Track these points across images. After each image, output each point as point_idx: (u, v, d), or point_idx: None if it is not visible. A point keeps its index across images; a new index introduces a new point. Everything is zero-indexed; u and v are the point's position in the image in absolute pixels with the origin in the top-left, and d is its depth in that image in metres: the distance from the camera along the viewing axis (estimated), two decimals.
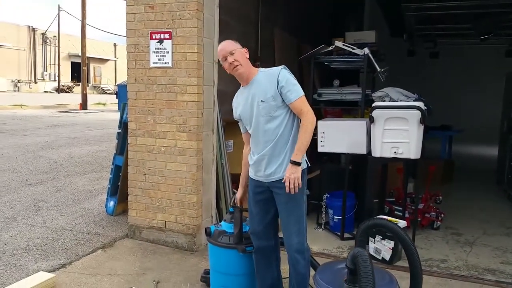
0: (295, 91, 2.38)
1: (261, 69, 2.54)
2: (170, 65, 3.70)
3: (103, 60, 43.03)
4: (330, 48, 4.62)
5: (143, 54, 3.82)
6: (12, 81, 35.00)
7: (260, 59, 6.01)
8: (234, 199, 2.83)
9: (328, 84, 5.34)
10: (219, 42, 3.92)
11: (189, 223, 3.79)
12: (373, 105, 3.81)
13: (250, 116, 2.48)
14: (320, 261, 2.82)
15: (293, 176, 2.31)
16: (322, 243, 4.03)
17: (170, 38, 3.66)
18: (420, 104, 3.65)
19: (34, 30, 37.10)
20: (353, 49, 4.45)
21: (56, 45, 36.41)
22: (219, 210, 4.15)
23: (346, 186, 4.15)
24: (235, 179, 4.19)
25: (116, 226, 4.44)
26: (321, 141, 4.12)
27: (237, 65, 2.44)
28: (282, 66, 2.46)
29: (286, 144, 2.44)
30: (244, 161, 2.70)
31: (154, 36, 3.72)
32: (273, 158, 2.44)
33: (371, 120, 3.74)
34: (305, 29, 7.47)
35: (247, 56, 2.50)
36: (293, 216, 2.43)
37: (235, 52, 2.43)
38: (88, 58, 26.21)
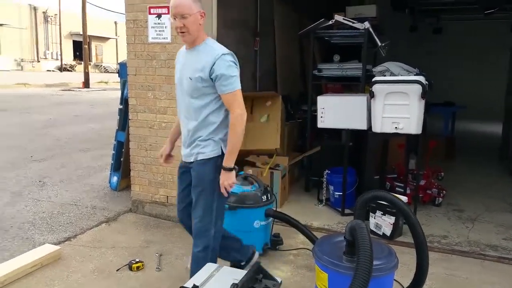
0: (229, 84, 2.17)
1: (208, 39, 2.29)
2: (169, 40, 3.68)
3: (104, 39, 42.65)
4: (330, 22, 4.54)
5: (142, 29, 3.79)
6: (15, 60, 34.97)
7: (259, 35, 5.94)
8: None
9: (329, 59, 5.28)
10: (218, 16, 3.89)
11: None
12: (374, 79, 3.77)
13: (179, 83, 2.33)
14: (321, 236, 2.85)
15: (226, 183, 2.22)
16: (323, 219, 4.04)
17: (168, 13, 3.61)
18: (421, 78, 3.60)
19: (35, 8, 36.72)
20: (353, 23, 4.38)
21: (58, 23, 36.10)
22: None
23: (346, 162, 4.14)
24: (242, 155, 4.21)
25: (119, 201, 4.51)
26: (321, 117, 4.09)
27: (184, 32, 2.19)
28: (226, 53, 2.20)
29: (209, 129, 2.27)
30: (176, 122, 2.59)
31: (152, 11, 3.69)
32: (193, 139, 2.31)
33: (372, 95, 3.71)
34: (305, 4, 7.34)
35: (202, 21, 2.21)
36: (200, 201, 2.31)
37: (188, 17, 2.15)
38: (89, 36, 25.92)
